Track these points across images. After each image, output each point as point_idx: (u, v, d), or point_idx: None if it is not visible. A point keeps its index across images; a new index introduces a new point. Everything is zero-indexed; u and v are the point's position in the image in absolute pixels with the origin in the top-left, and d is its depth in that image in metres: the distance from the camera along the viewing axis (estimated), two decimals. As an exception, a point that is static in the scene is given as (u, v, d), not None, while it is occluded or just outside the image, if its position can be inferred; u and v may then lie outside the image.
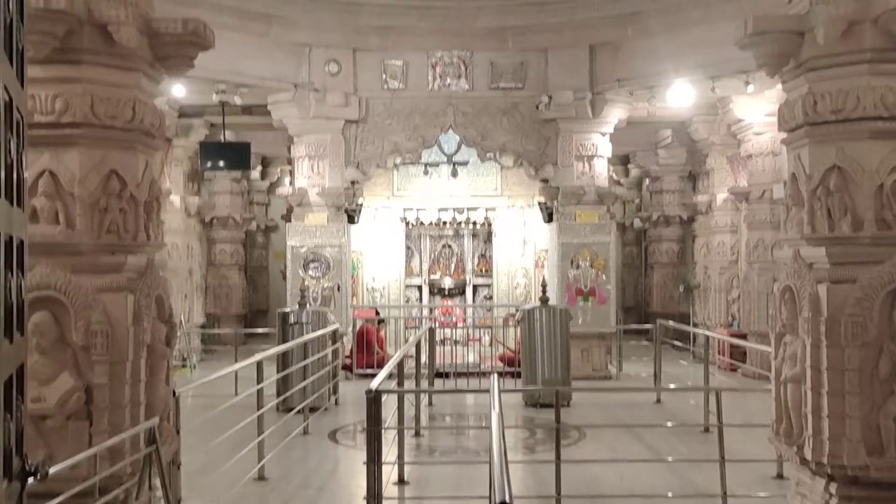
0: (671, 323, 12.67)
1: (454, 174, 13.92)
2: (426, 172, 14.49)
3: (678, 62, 11.64)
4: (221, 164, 13.68)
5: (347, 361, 12.51)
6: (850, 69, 4.20)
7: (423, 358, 10.15)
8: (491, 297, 15.61)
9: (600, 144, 12.79)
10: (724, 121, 13.76)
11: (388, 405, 6.31)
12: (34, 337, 4.06)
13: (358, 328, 12.93)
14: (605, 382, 12.28)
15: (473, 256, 15.87)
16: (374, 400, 5.23)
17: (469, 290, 15.78)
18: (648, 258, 18.67)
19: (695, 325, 15.51)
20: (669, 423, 8.96)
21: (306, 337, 9.57)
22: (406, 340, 14.60)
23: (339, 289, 12.49)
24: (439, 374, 11.52)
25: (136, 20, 4.10)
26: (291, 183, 14.35)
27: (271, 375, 8.61)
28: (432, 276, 15.81)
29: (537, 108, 12.57)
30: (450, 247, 15.97)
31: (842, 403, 4.28)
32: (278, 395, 8.96)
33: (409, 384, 9.06)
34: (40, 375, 4.06)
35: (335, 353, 10.44)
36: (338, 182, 12.60)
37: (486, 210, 15.14)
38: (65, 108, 4.06)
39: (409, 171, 14.80)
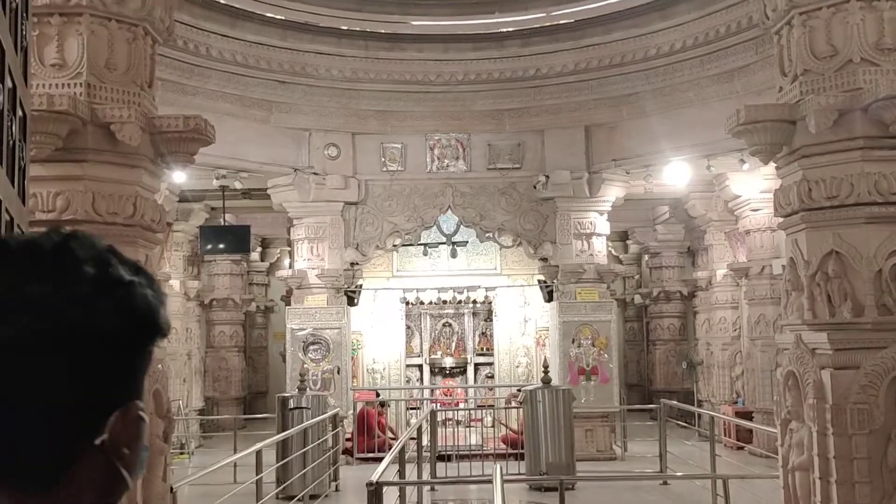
0: (675, 403, 12.52)
1: (453, 255, 13.96)
2: (426, 253, 14.54)
3: (673, 141, 11.79)
4: (221, 247, 13.76)
5: (348, 445, 12.34)
6: (843, 156, 4.26)
7: (426, 440, 10.01)
8: (492, 377, 15.48)
9: (598, 223, 12.86)
10: (720, 197, 13.88)
11: (390, 494, 6.20)
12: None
13: (358, 411, 12.79)
14: (610, 464, 12.08)
15: (474, 335, 15.79)
16: (374, 493, 5.13)
17: (470, 370, 15.65)
18: (650, 334, 18.60)
19: (699, 403, 15.35)
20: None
21: (306, 423, 9.45)
22: (408, 422, 14.43)
23: (339, 371, 12.40)
24: (441, 457, 11.34)
25: (138, 119, 4.18)
26: (291, 265, 14.38)
27: (271, 460, 8.47)
28: (433, 356, 15.71)
29: (535, 187, 12.68)
30: (450, 325, 15.91)
31: (852, 493, 4.21)
32: (278, 482, 8.81)
33: (410, 468, 8.91)
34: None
35: (335, 437, 10.30)
36: (337, 264, 12.62)
37: (486, 289, 15.14)
38: (66, 206, 4.09)
39: (409, 252, 14.85)
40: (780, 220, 4.65)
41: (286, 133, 12.45)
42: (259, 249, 17.95)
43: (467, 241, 14.09)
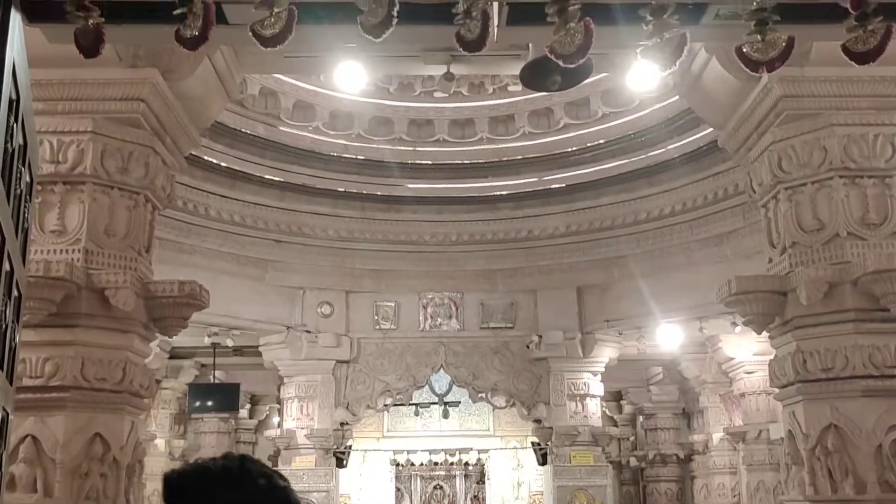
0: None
1: (445, 415, 13.74)
2: (417, 413, 14.30)
3: (664, 304, 11.84)
4: (210, 405, 13.51)
5: None
6: (836, 328, 4.27)
7: None
8: (485, 543, 14.92)
9: (592, 384, 12.74)
10: (714, 359, 13.81)
11: None
12: None
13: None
14: None
15: (466, 498, 15.32)
16: None
17: (462, 535, 15.10)
18: (647, 499, 18.01)
19: (701, 573, 14.71)
20: None
21: None
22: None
23: (326, 537, 11.91)
24: None
25: (133, 284, 4.19)
26: (280, 424, 14.09)
27: None
28: (423, 521, 15.19)
29: (528, 347, 12.63)
30: (441, 488, 15.46)
31: None
32: None
33: None
34: None
35: None
36: (327, 424, 12.37)
37: (479, 451, 14.82)
38: (54, 372, 4.05)
39: (400, 412, 14.63)
40: (776, 390, 4.60)
41: (280, 291, 12.49)
42: (248, 406, 17.61)
43: (459, 402, 13.89)
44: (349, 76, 6.32)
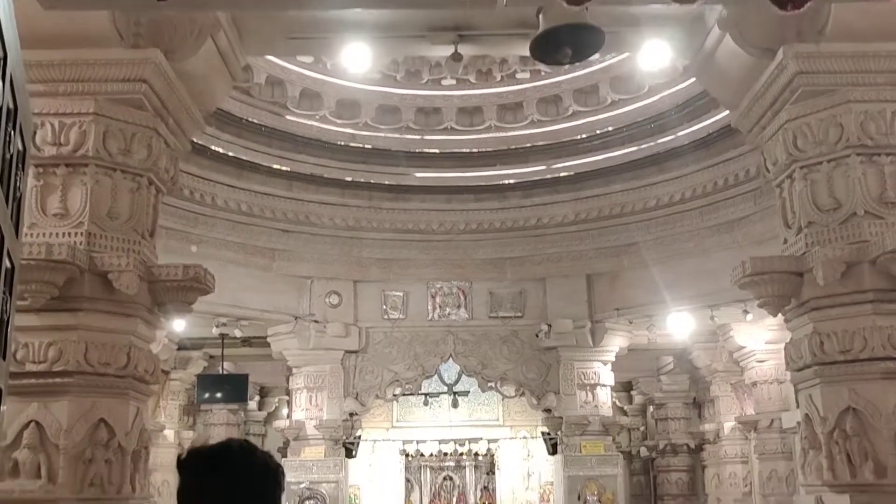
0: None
1: (455, 405, 13.66)
2: (426, 403, 14.24)
3: (675, 292, 11.73)
4: (219, 396, 13.48)
5: None
6: (854, 309, 4.18)
7: None
8: (496, 534, 14.86)
9: (602, 373, 12.64)
10: (725, 348, 13.70)
11: None
12: None
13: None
14: None
15: (476, 489, 15.26)
16: None
17: (472, 526, 15.05)
18: (657, 489, 17.92)
19: (712, 563, 14.64)
20: None
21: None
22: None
23: (335, 528, 11.87)
24: None
25: (137, 267, 4.12)
26: (289, 415, 14.05)
27: None
28: (433, 511, 15.14)
29: (537, 336, 12.53)
30: (451, 479, 15.40)
31: None
32: None
33: None
34: None
35: None
36: (336, 414, 12.32)
37: (489, 441, 14.75)
38: (58, 357, 3.98)
39: (409, 402, 14.57)
40: (792, 374, 4.50)
41: (288, 281, 12.43)
42: (257, 398, 17.59)
43: (469, 391, 13.82)
44: (355, 59, 6.23)
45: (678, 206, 11.57)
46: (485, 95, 12.08)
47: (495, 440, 14.74)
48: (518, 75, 11.85)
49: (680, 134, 11.05)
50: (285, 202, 11.85)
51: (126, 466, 4.12)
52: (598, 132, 11.77)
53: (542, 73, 11.80)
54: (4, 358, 1.87)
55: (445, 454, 14.94)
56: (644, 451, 18.65)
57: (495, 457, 14.88)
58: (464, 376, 13.03)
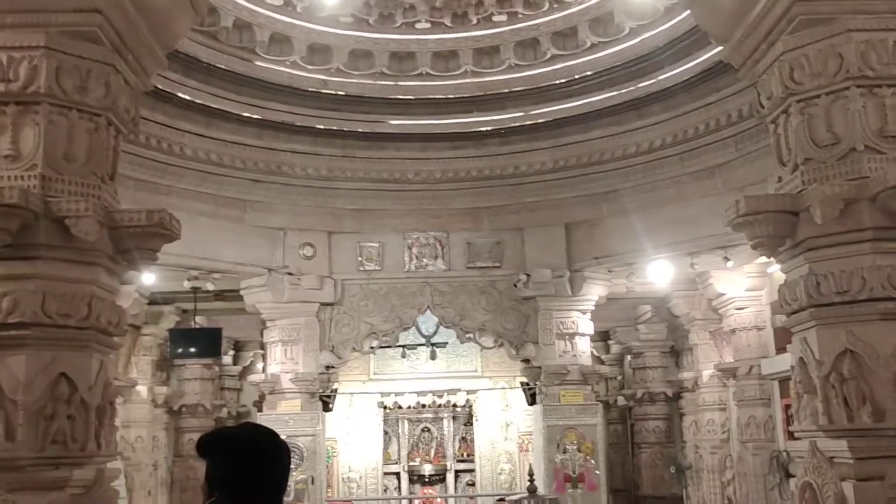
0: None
1: (433, 356, 13.54)
2: (404, 355, 14.12)
3: (655, 239, 11.62)
4: (192, 350, 13.25)
5: (322, 561, 11.62)
6: (852, 248, 4.01)
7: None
8: (473, 484, 14.88)
9: (581, 322, 12.54)
10: (704, 296, 13.64)
11: None
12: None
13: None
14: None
15: (454, 440, 15.26)
16: None
17: (450, 477, 15.05)
18: (635, 437, 18.03)
19: (689, 509, 14.77)
20: None
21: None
22: (385, 534, 13.76)
23: (313, 481, 11.77)
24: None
25: (96, 212, 3.85)
26: (264, 369, 13.88)
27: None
28: (411, 463, 15.12)
29: (515, 286, 12.40)
30: (429, 431, 15.39)
31: None
32: None
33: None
34: None
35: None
36: (312, 367, 12.15)
37: (467, 392, 14.70)
38: (13, 308, 3.72)
39: (387, 354, 14.44)
40: (786, 317, 4.35)
41: (261, 232, 12.15)
42: (232, 353, 17.38)
43: (447, 343, 13.70)
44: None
45: (658, 153, 11.40)
46: (460, 39, 11.74)
47: (473, 391, 14.69)
48: (495, 18, 11.52)
49: (661, 77, 10.80)
50: (256, 151, 11.53)
51: (90, 423, 3.89)
52: (576, 77, 11.49)
53: (520, 16, 11.49)
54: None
55: (423, 406, 14.90)
56: (621, 400, 18.74)
57: (473, 408, 14.85)
58: (441, 328, 12.90)
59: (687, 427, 15.68)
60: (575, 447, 12.01)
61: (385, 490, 14.65)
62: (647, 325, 16.63)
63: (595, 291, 12.59)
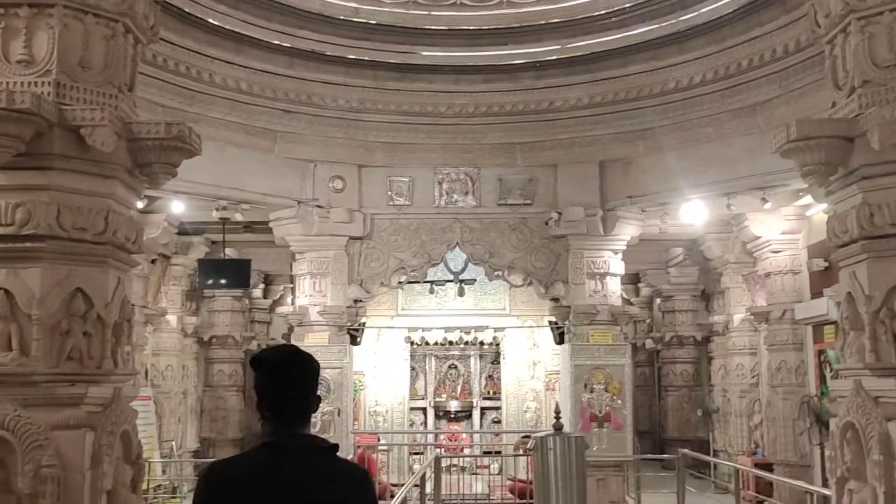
0: (694, 453, 11.83)
1: (461, 293, 13.43)
2: (432, 291, 14.03)
3: (691, 179, 11.32)
4: (222, 282, 13.27)
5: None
6: (910, 177, 3.76)
7: (429, 488, 9.43)
8: (499, 422, 14.88)
9: (612, 262, 12.33)
10: (738, 238, 13.37)
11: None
12: (-25, 482, 3.49)
13: (358, 455, 12.15)
14: (624, 518, 11.43)
15: (481, 378, 15.23)
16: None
17: (476, 414, 15.06)
18: (662, 380, 17.97)
19: (714, 453, 14.69)
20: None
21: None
22: (410, 468, 13.82)
23: (339, 413, 11.80)
24: (445, 508, 10.71)
25: (113, 122, 3.69)
26: (293, 301, 13.88)
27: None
28: (437, 399, 15.14)
29: (546, 224, 12.19)
30: (456, 367, 15.37)
31: (923, 563, 3.63)
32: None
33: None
34: (-20, 528, 3.47)
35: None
36: (340, 301, 12.09)
37: (495, 330, 14.61)
38: (27, 219, 3.60)
39: (415, 290, 14.36)
40: (835, 250, 4.12)
41: (290, 164, 12.01)
42: (262, 286, 17.44)
43: (475, 280, 13.57)
44: None
45: (697, 89, 11.03)
46: (496, -33, 11.33)
47: (501, 329, 14.59)
48: (533, -55, 11.09)
49: (704, 10, 10.35)
50: (286, 81, 11.31)
51: (107, 340, 3.79)
52: (616, 8, 11.04)
53: (559, -57, 11.03)
54: None
55: (451, 343, 14.85)
56: (649, 343, 18.63)
57: (501, 346, 14.77)
58: (470, 265, 12.74)
59: (715, 371, 15.54)
60: (602, 387, 11.91)
61: (411, 425, 14.70)
62: (678, 269, 16.41)
63: (628, 231, 12.34)
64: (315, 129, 11.88)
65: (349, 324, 12.19)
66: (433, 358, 15.12)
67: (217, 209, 11.83)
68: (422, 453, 14.16)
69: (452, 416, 15.07)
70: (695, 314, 16.72)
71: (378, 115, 11.90)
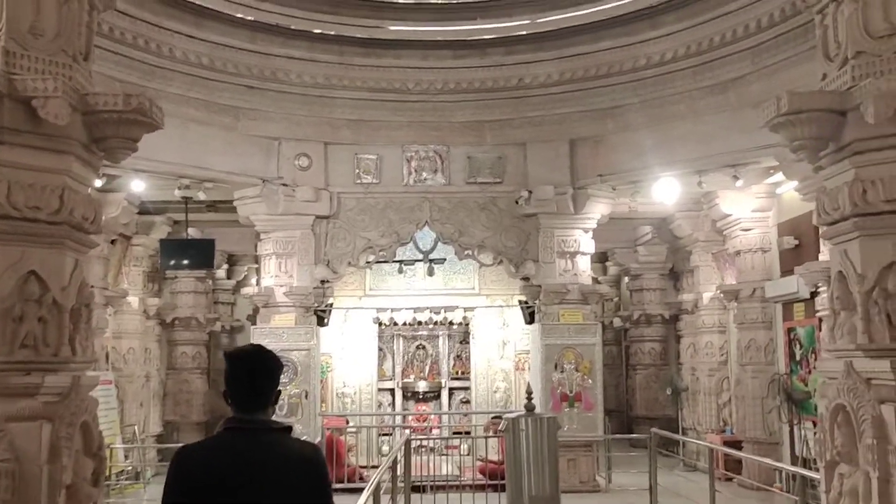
0: (664, 432, 11.81)
1: (430, 273, 13.25)
2: (401, 271, 13.83)
3: (663, 157, 11.24)
4: (184, 262, 12.94)
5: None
6: (905, 152, 3.64)
7: (399, 469, 9.28)
8: (468, 402, 14.78)
9: (583, 241, 12.24)
10: (708, 216, 13.33)
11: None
12: (-76, 479, 3.24)
13: (326, 438, 11.97)
14: (596, 497, 11.39)
15: (449, 358, 15.11)
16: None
17: (445, 394, 14.95)
18: (630, 358, 17.97)
19: (683, 431, 14.73)
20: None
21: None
22: (379, 449, 13.68)
23: (307, 396, 11.60)
24: (416, 489, 10.58)
25: (67, 94, 3.44)
26: (258, 282, 13.61)
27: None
28: (406, 380, 14.99)
29: (517, 202, 12.05)
30: (424, 348, 15.22)
31: (917, 549, 3.55)
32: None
33: (385, 501, 8.14)
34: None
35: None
36: (307, 281, 11.86)
37: (464, 310, 14.47)
38: (-26, 198, 3.35)
39: (383, 270, 14.16)
40: (825, 227, 4.00)
41: (254, 141, 11.71)
42: (226, 266, 17.10)
43: (445, 259, 13.41)
44: None
45: (669, 66, 10.92)
46: (466, -61, 11.09)
47: (471, 309, 14.46)
48: (502, -83, 10.86)
49: (676, -16, 10.23)
50: (249, 56, 10.99)
51: (64, 326, 3.55)
52: (587, -19, 10.90)
53: (530, -85, 10.82)
54: None
55: (419, 323, 14.69)
56: (617, 322, 18.61)
57: (470, 326, 14.64)
58: (440, 244, 12.57)
59: (684, 349, 15.56)
60: (573, 367, 11.83)
61: (379, 406, 14.55)
62: (647, 247, 16.37)
63: (598, 210, 12.25)
64: (280, 106, 11.59)
65: (316, 305, 11.97)
66: (401, 339, 14.96)
67: (179, 188, 11.50)
68: (390, 435, 14.02)
69: (421, 396, 14.94)
70: (663, 293, 16.71)
71: (344, 91, 11.63)
